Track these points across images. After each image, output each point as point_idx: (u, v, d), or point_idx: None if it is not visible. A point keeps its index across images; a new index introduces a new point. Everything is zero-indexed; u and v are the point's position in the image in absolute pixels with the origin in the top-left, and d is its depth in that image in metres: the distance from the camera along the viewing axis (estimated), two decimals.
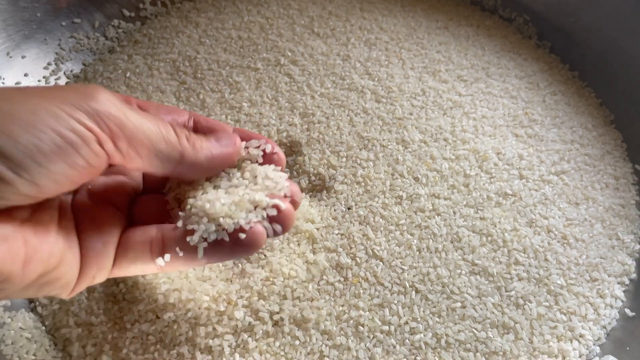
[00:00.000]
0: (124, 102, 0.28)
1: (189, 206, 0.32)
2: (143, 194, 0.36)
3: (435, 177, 0.46)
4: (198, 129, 0.35)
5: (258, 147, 0.35)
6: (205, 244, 0.31)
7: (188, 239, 0.31)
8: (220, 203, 0.31)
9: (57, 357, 0.38)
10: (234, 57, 0.56)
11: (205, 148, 0.31)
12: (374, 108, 0.51)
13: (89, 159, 0.26)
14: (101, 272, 0.31)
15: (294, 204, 0.34)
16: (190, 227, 0.31)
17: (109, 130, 0.26)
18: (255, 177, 0.33)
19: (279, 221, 0.32)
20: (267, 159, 0.35)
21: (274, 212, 0.32)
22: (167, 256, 0.31)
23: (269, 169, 0.34)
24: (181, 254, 0.31)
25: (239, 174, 0.34)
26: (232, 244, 0.31)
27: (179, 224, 0.32)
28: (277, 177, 0.33)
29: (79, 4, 0.58)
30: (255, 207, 0.32)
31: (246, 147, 0.35)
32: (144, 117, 0.28)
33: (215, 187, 0.33)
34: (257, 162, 0.35)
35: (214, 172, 0.33)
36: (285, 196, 0.33)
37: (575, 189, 0.47)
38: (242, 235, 0.31)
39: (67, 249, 0.29)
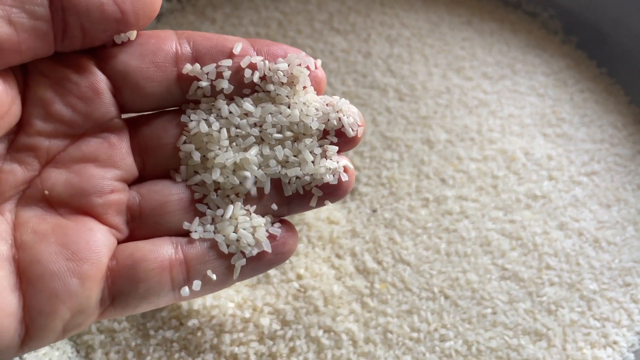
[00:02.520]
0: None
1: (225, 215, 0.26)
2: (140, 184, 0.26)
3: (463, 179, 0.45)
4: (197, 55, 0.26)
5: (299, 64, 0.27)
6: (243, 261, 0.26)
7: (232, 260, 0.26)
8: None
9: None
10: None
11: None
12: (398, 107, 0.49)
13: None
14: (81, 317, 0.23)
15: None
16: (220, 240, 0.25)
17: None
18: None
19: (339, 189, 0.27)
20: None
21: (332, 179, 0.27)
22: (197, 283, 0.25)
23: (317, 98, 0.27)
24: (214, 278, 0.25)
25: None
26: (274, 254, 0.26)
27: (195, 235, 0.26)
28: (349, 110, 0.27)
29: None
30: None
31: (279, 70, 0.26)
32: None
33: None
34: (303, 87, 0.27)
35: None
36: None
37: (607, 190, 0.45)
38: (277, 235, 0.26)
39: None
